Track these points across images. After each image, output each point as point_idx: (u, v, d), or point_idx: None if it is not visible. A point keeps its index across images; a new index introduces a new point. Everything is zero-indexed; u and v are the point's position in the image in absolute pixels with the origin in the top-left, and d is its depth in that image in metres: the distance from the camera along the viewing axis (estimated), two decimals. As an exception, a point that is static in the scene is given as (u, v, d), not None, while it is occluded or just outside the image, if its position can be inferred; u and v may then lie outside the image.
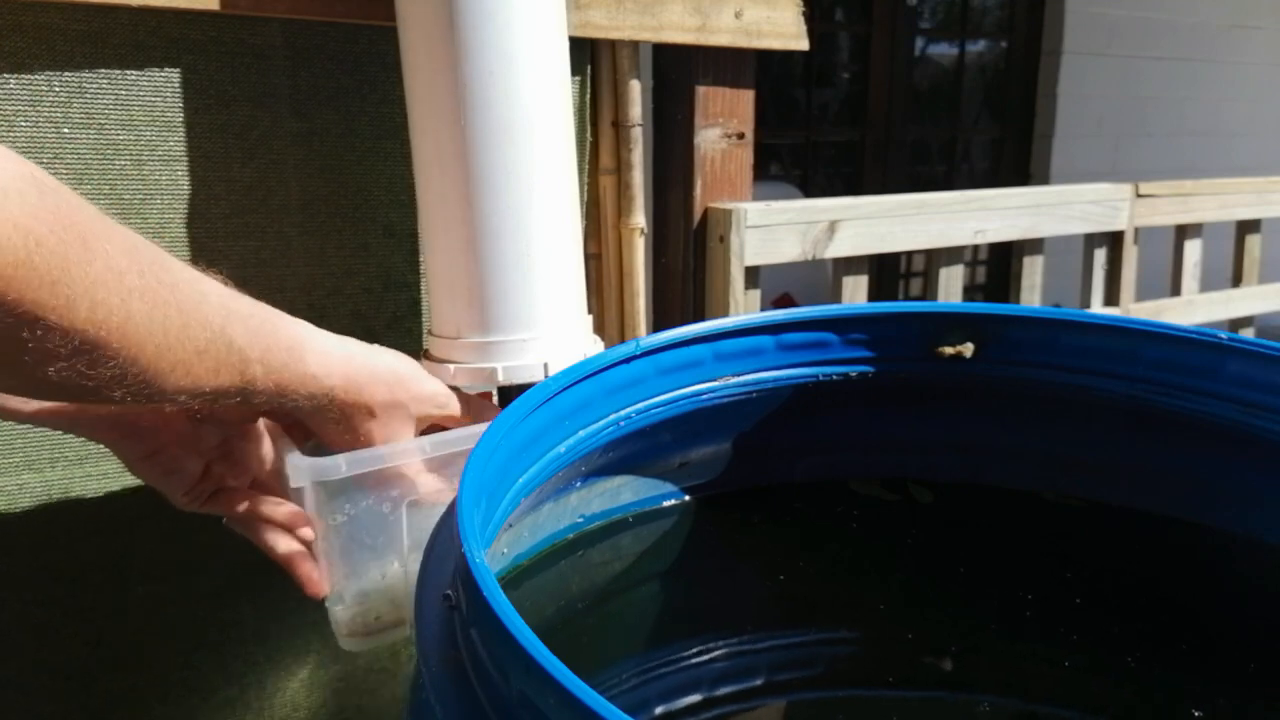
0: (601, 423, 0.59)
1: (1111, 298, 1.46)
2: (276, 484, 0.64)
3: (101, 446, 0.73)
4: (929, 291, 1.31)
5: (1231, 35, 3.75)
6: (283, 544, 0.62)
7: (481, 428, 0.56)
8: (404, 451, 0.61)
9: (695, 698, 0.55)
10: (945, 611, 0.62)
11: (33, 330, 0.38)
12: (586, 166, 0.91)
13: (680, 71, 0.99)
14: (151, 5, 0.68)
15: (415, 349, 0.86)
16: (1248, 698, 0.54)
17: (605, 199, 0.94)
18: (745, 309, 1.03)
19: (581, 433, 0.57)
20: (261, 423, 0.63)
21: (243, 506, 0.61)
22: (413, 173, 0.72)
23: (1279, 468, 0.60)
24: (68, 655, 0.75)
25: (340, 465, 0.59)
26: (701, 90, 0.99)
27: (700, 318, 1.04)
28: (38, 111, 0.67)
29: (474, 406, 0.67)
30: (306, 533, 0.62)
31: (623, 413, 0.60)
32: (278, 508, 0.62)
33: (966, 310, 0.66)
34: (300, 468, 0.60)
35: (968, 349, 0.66)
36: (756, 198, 1.06)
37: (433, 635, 0.41)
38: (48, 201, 0.38)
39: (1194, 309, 1.59)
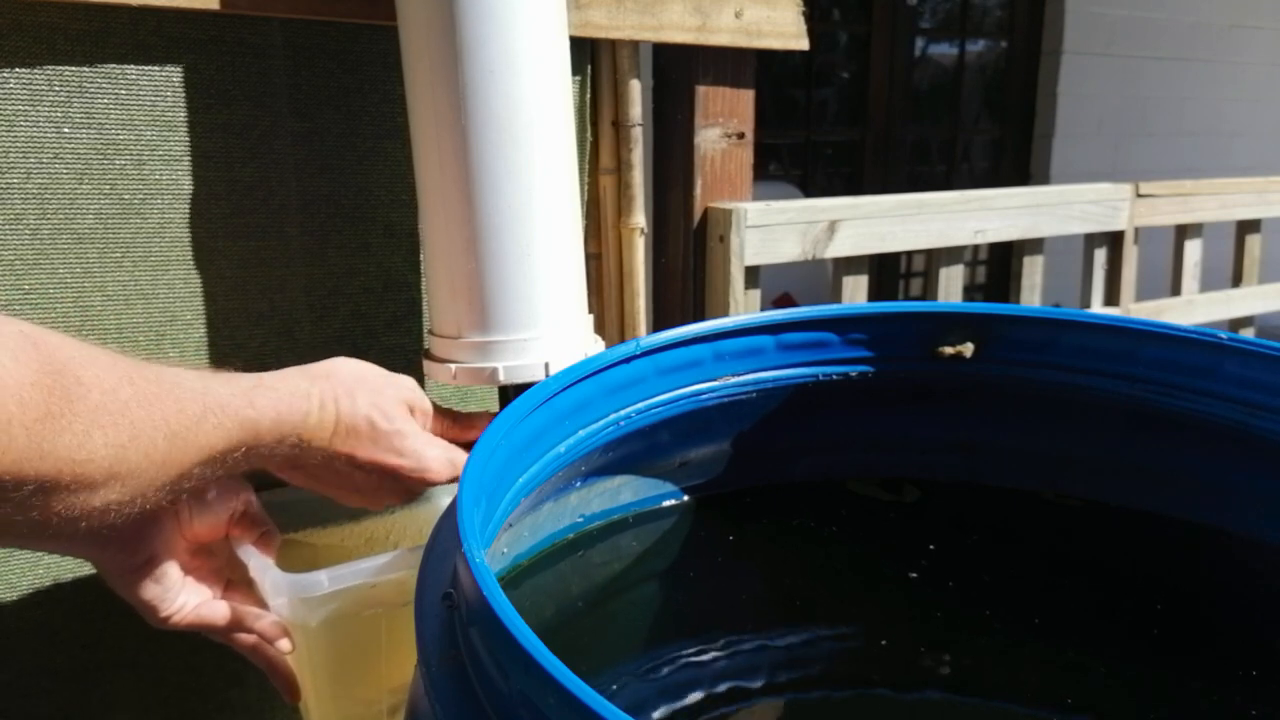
0: (601, 422, 0.59)
1: (1111, 298, 1.46)
2: (245, 588, 0.64)
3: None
4: (929, 291, 1.31)
5: (1231, 35, 3.74)
6: (263, 652, 0.63)
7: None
8: (386, 565, 0.60)
9: (695, 697, 0.55)
10: (944, 611, 0.62)
11: (59, 477, 0.40)
12: (586, 166, 0.91)
13: (680, 71, 0.99)
14: (152, 4, 0.68)
15: (415, 349, 0.86)
16: (1248, 697, 0.54)
17: (605, 199, 0.94)
18: (745, 309, 1.03)
19: (581, 432, 0.57)
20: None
21: (224, 620, 0.61)
22: (413, 172, 0.72)
23: (1279, 468, 0.60)
24: (68, 656, 0.75)
25: (322, 581, 0.58)
26: (701, 90, 0.99)
27: (700, 318, 1.04)
28: (38, 111, 0.67)
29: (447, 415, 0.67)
30: (285, 644, 0.63)
31: (623, 412, 0.60)
32: (258, 620, 0.62)
33: (967, 310, 0.66)
34: (279, 586, 0.59)
35: (968, 349, 0.66)
36: (756, 197, 1.06)
37: (433, 635, 0.41)
38: (43, 353, 0.40)
39: (1194, 309, 1.59)
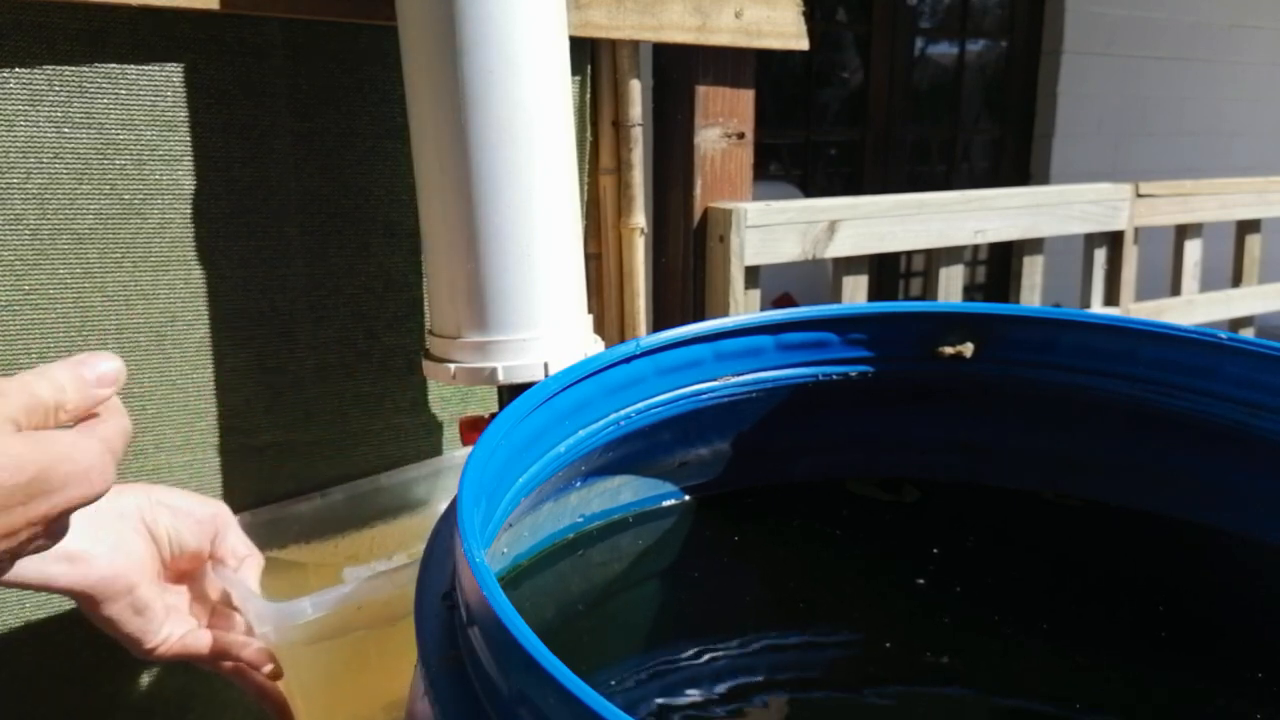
0: (601, 422, 0.59)
1: (1111, 298, 1.46)
2: (231, 613, 0.63)
3: (101, 446, 0.73)
4: (929, 291, 1.31)
5: (1231, 35, 3.74)
6: (251, 679, 0.62)
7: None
8: (371, 587, 0.60)
9: (695, 697, 0.55)
10: (945, 611, 0.62)
11: None
12: (586, 166, 0.91)
13: (680, 71, 0.99)
14: (152, 4, 0.68)
15: (416, 349, 0.86)
16: (1248, 698, 0.54)
17: (605, 199, 0.94)
18: (745, 309, 1.03)
19: (581, 432, 0.57)
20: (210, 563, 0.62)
21: (209, 650, 0.60)
22: (413, 172, 0.72)
23: (1279, 468, 0.60)
24: (68, 658, 0.75)
25: (305, 609, 0.58)
26: (701, 90, 0.99)
27: (700, 318, 1.04)
28: (38, 111, 0.67)
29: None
30: (271, 670, 0.62)
31: (623, 412, 0.60)
32: (244, 649, 0.61)
33: (966, 310, 0.66)
34: (264, 615, 0.58)
35: (968, 349, 0.66)
36: (756, 197, 1.06)
37: (433, 635, 0.41)
38: None
39: (1194, 309, 1.59)
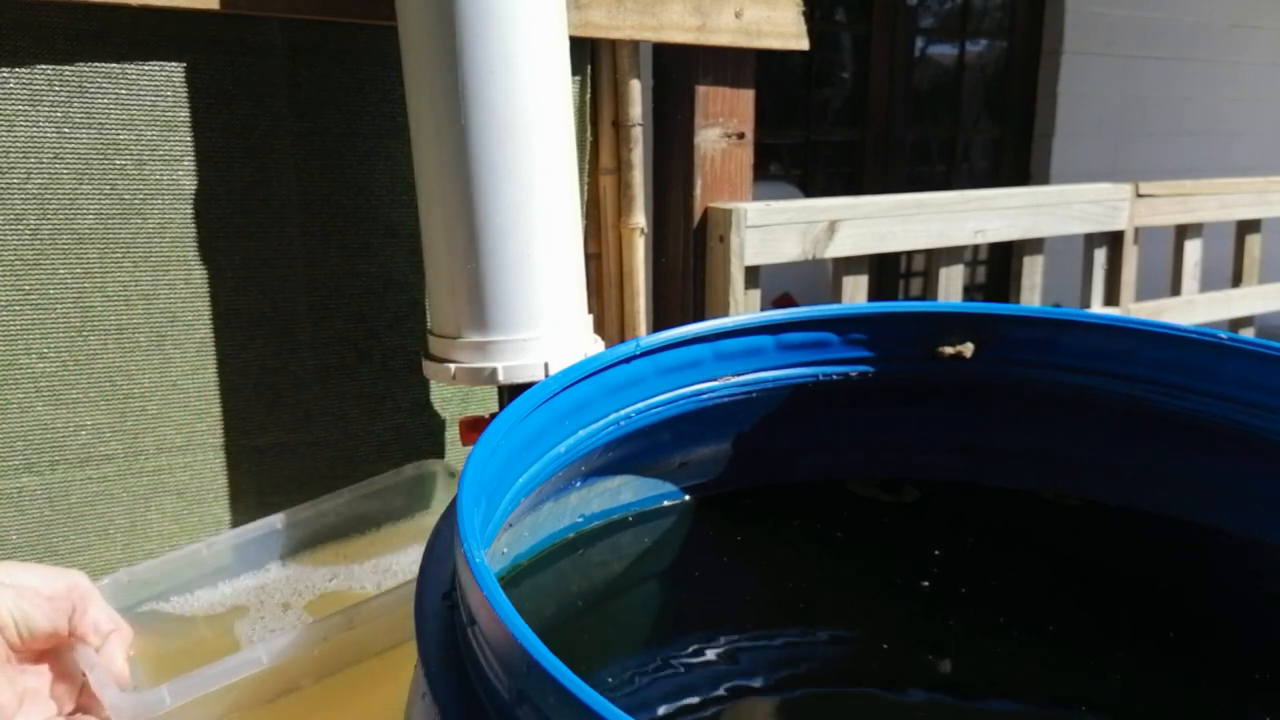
0: (601, 422, 0.59)
1: (1111, 298, 1.46)
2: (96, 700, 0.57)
3: (104, 449, 0.73)
4: (929, 291, 1.31)
5: (1231, 35, 3.74)
6: None
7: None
8: (232, 670, 0.55)
9: (695, 697, 0.55)
10: (945, 611, 0.62)
11: None
12: (586, 166, 0.91)
13: (680, 71, 0.99)
14: (152, 4, 0.68)
15: (416, 349, 0.86)
16: (1247, 698, 0.54)
17: (605, 199, 0.94)
18: (745, 309, 1.03)
19: (581, 432, 0.57)
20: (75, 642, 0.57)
21: None
22: (414, 172, 0.72)
23: (1279, 468, 0.60)
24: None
25: (164, 698, 0.53)
26: (701, 90, 0.99)
27: (700, 318, 1.04)
28: (38, 111, 0.67)
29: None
30: None
31: (623, 412, 0.60)
32: None
33: (966, 310, 0.66)
34: (119, 708, 0.53)
35: (968, 349, 0.66)
36: (756, 197, 1.06)
37: (433, 635, 0.41)
38: None
39: (1194, 309, 1.59)
